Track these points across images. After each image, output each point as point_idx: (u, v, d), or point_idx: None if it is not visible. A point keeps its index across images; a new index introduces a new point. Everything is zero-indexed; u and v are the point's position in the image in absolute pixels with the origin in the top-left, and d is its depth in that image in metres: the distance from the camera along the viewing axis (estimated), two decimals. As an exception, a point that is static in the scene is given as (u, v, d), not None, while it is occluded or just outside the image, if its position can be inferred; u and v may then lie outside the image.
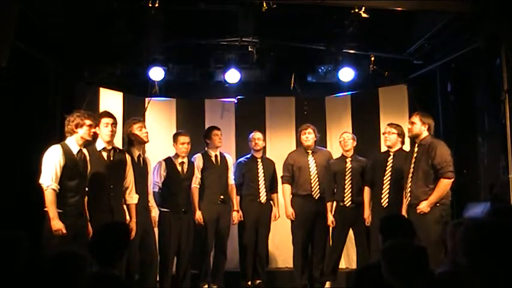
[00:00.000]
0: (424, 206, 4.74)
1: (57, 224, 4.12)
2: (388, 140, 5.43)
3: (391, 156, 5.42)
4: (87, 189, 4.57)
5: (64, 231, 4.12)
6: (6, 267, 2.81)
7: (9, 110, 4.60)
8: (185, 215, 5.58)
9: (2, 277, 2.75)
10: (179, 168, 5.62)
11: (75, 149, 4.40)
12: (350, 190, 5.73)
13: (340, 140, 5.91)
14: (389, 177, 5.36)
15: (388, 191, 5.35)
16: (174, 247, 5.53)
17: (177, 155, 5.67)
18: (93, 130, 4.45)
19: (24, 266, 2.81)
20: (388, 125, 5.53)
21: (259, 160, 6.11)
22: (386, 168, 5.40)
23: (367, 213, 5.56)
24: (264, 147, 6.44)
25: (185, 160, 5.67)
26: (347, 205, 5.71)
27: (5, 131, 4.52)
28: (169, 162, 5.60)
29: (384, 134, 5.53)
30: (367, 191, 5.63)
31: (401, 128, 5.49)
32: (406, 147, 5.53)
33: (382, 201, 5.38)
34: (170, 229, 5.47)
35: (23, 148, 4.73)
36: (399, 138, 5.43)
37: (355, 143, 5.89)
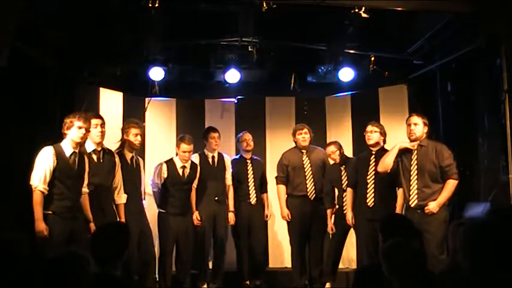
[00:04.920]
0: (433, 207, 4.72)
1: (39, 226, 4.12)
2: (371, 139, 5.35)
3: (373, 156, 5.34)
4: (87, 190, 4.58)
5: (45, 233, 4.12)
6: (7, 268, 2.81)
7: (9, 110, 4.60)
8: (182, 217, 5.57)
9: (2, 278, 2.76)
10: (180, 172, 5.60)
11: (68, 151, 4.38)
12: None
13: (329, 155, 5.87)
14: (373, 177, 5.30)
15: (373, 190, 5.29)
16: (171, 248, 5.55)
17: (178, 159, 5.64)
18: (82, 132, 4.37)
19: (24, 267, 2.81)
20: (370, 124, 5.45)
21: (249, 161, 6.10)
22: (369, 168, 5.32)
23: (349, 215, 5.49)
24: (264, 147, 6.44)
25: (187, 164, 5.62)
26: (345, 212, 5.67)
27: (5, 131, 4.52)
28: (170, 165, 5.58)
29: (366, 133, 5.42)
30: (349, 192, 5.54)
31: (383, 126, 5.44)
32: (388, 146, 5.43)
33: (367, 201, 5.30)
34: (168, 230, 5.47)
35: (23, 148, 4.73)
36: (381, 137, 5.36)
37: (341, 149, 5.85)
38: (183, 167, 5.61)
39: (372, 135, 5.36)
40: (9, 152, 4.57)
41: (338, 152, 5.81)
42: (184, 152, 5.53)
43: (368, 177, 5.33)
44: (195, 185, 5.79)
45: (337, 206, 5.81)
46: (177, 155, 5.64)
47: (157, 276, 5.61)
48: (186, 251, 5.61)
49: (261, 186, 6.12)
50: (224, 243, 5.94)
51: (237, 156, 6.17)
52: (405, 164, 4.96)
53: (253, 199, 6.02)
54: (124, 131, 5.24)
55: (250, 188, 6.01)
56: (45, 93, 5.35)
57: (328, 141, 6.75)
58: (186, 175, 5.62)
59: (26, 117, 4.86)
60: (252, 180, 6.03)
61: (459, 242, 2.48)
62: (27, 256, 2.95)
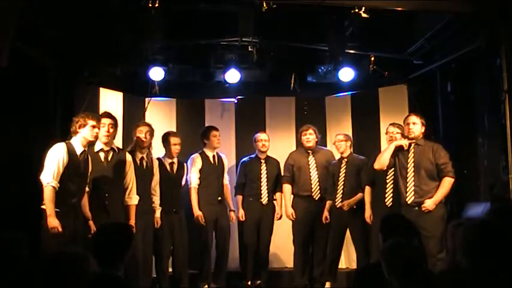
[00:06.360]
0: (430, 204, 4.81)
1: (53, 222, 4.12)
2: (393, 140, 5.35)
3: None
4: (87, 189, 4.58)
5: (60, 229, 4.12)
6: (6, 267, 2.81)
7: (9, 110, 4.60)
8: (176, 215, 5.58)
9: (2, 277, 2.76)
10: (169, 168, 5.62)
11: (79, 150, 4.41)
12: (342, 191, 5.73)
13: (334, 143, 5.90)
14: (392, 177, 5.35)
15: (392, 190, 5.36)
16: (168, 247, 5.54)
17: (166, 156, 5.66)
18: (96, 131, 4.44)
19: (24, 266, 2.82)
20: (391, 125, 5.49)
21: (263, 161, 6.10)
22: (389, 168, 5.31)
23: (368, 212, 5.53)
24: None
25: (175, 160, 5.67)
26: (337, 206, 5.72)
27: (5, 131, 4.52)
28: (159, 163, 5.57)
29: (387, 133, 5.48)
30: (368, 190, 5.60)
31: (403, 127, 5.45)
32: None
33: (385, 200, 5.38)
34: (163, 229, 5.46)
35: (23, 148, 4.73)
36: (403, 138, 5.39)
37: (349, 143, 5.86)
38: (172, 164, 5.64)
39: (395, 136, 5.38)
40: (9, 152, 4.57)
41: (344, 142, 5.81)
42: (175, 144, 5.59)
43: (387, 177, 5.38)
44: (196, 185, 5.80)
45: (330, 202, 5.83)
46: (165, 155, 5.66)
47: (155, 275, 5.62)
48: (182, 250, 5.60)
49: (275, 186, 6.12)
50: (227, 244, 5.94)
51: (252, 155, 6.17)
52: (402, 161, 5.05)
53: (264, 199, 6.02)
54: (133, 131, 5.31)
55: (262, 188, 6.02)
56: (45, 93, 5.35)
57: (328, 141, 6.79)
58: (175, 171, 5.65)
59: (26, 117, 4.86)
60: (265, 180, 6.04)
61: (459, 242, 2.48)
62: (27, 256, 2.95)
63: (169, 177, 5.60)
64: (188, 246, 5.67)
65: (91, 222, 4.53)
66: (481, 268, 2.32)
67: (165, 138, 5.68)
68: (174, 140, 5.62)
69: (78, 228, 4.35)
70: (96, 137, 4.51)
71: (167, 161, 5.64)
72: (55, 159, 4.25)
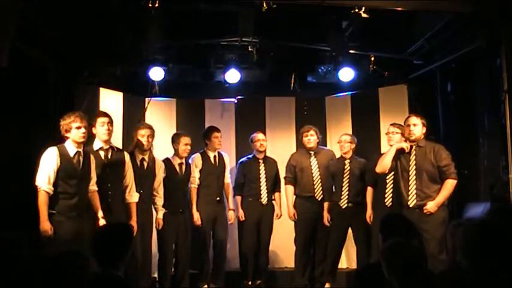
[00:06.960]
0: (432, 206, 4.76)
1: (45, 226, 4.15)
2: (392, 140, 5.37)
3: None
4: (96, 188, 4.58)
5: (50, 232, 4.15)
6: (6, 267, 2.81)
7: (9, 110, 4.60)
8: (182, 215, 5.59)
9: (2, 277, 2.76)
10: (178, 169, 5.62)
11: (72, 151, 4.41)
12: (347, 191, 5.74)
13: (339, 142, 5.91)
14: (392, 177, 5.35)
15: (391, 190, 5.37)
16: (172, 247, 5.54)
17: (175, 156, 5.66)
18: (82, 132, 4.40)
19: (24, 267, 2.82)
20: (392, 125, 5.49)
21: (261, 161, 6.10)
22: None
23: (369, 212, 5.57)
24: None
25: (183, 161, 5.68)
26: (343, 207, 5.72)
27: (5, 131, 4.52)
28: (168, 163, 5.58)
29: (387, 134, 5.49)
30: (370, 191, 5.63)
31: (403, 127, 5.46)
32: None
33: (385, 200, 5.39)
34: (168, 229, 5.46)
35: (23, 148, 4.73)
36: (403, 138, 5.34)
37: (353, 146, 5.86)
38: (181, 164, 5.64)
39: (394, 136, 5.39)
40: (9, 152, 4.57)
41: (349, 144, 5.82)
42: (186, 144, 5.61)
43: (387, 177, 5.39)
44: (195, 185, 5.80)
45: (331, 204, 5.83)
46: (174, 155, 5.65)
47: (157, 276, 5.62)
48: (184, 250, 5.61)
49: (274, 186, 6.13)
50: (225, 243, 5.94)
51: (250, 156, 6.17)
52: (403, 164, 4.99)
53: (264, 199, 6.02)
54: (134, 132, 5.31)
55: (261, 188, 6.02)
56: (45, 93, 5.35)
57: (328, 141, 6.80)
58: (183, 171, 5.65)
59: (26, 117, 4.86)
60: (264, 180, 6.04)
61: (459, 242, 2.48)
62: (27, 256, 2.95)
63: (178, 178, 5.60)
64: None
65: (101, 221, 4.49)
66: (481, 268, 2.32)
67: (175, 138, 5.68)
68: (185, 140, 5.62)
69: (81, 229, 4.33)
70: (85, 137, 4.48)
71: (176, 161, 5.63)
72: (46, 164, 4.29)
